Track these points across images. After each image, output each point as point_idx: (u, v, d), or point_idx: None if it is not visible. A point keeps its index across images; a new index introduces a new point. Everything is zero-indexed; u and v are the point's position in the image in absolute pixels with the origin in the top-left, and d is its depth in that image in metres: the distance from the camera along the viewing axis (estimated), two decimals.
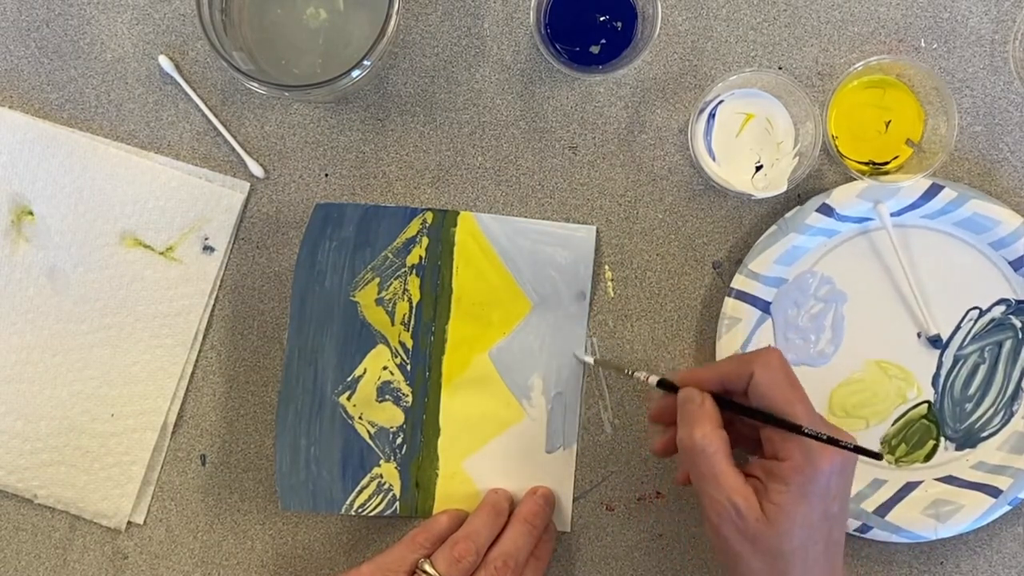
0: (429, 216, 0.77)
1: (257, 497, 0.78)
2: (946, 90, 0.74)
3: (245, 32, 0.74)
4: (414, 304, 0.77)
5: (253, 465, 0.78)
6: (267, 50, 0.74)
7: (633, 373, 0.73)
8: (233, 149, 0.78)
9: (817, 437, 0.62)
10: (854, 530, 0.76)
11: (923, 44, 0.77)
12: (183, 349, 0.78)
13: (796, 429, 0.63)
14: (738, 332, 0.76)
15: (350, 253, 0.77)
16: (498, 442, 0.77)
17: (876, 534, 0.76)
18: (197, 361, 0.78)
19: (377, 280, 0.77)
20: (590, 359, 0.77)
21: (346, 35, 0.74)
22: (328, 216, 0.77)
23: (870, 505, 0.76)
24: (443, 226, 0.77)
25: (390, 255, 0.77)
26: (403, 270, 0.77)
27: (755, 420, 0.65)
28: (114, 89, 0.78)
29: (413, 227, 0.77)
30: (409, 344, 0.77)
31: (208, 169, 0.78)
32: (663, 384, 0.70)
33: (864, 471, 0.77)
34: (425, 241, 0.77)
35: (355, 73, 0.70)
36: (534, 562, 0.74)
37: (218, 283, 0.78)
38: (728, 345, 0.76)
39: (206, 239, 0.77)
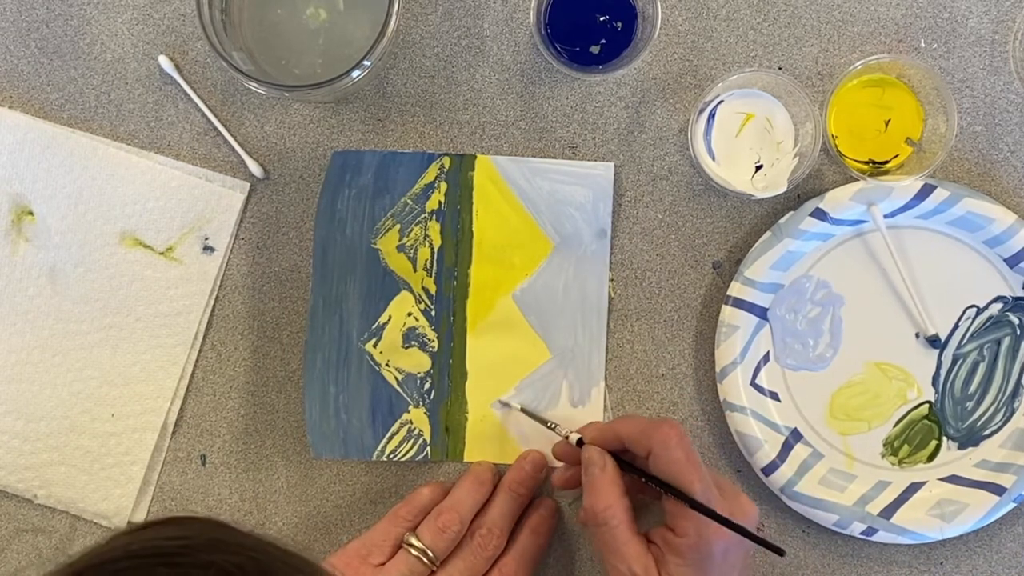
0: (447, 161, 0.77)
1: (257, 498, 0.78)
2: (946, 89, 0.74)
3: (245, 32, 0.74)
4: (435, 249, 0.77)
5: (253, 465, 0.78)
6: (267, 50, 0.74)
7: (555, 427, 0.74)
8: (233, 149, 0.78)
9: (707, 513, 0.64)
10: (859, 533, 0.75)
11: (923, 44, 0.77)
12: (183, 349, 0.78)
13: (690, 502, 0.65)
14: (736, 339, 0.76)
15: (369, 200, 0.77)
16: (525, 383, 0.77)
17: (882, 536, 0.75)
18: (197, 361, 0.78)
19: (397, 227, 0.77)
20: (516, 405, 0.77)
21: (346, 35, 0.74)
22: (346, 164, 0.77)
23: (875, 508, 0.76)
24: (461, 170, 0.77)
25: (409, 201, 0.77)
26: (423, 216, 0.77)
27: (654, 486, 0.67)
28: (114, 89, 0.78)
29: (431, 172, 0.77)
30: (432, 289, 0.77)
31: (208, 169, 0.78)
32: (581, 443, 0.71)
33: (868, 473, 0.77)
34: (444, 186, 0.77)
35: (355, 73, 0.70)
36: (533, 537, 0.74)
37: (218, 283, 0.78)
38: (727, 352, 0.76)
39: (206, 239, 0.77)
